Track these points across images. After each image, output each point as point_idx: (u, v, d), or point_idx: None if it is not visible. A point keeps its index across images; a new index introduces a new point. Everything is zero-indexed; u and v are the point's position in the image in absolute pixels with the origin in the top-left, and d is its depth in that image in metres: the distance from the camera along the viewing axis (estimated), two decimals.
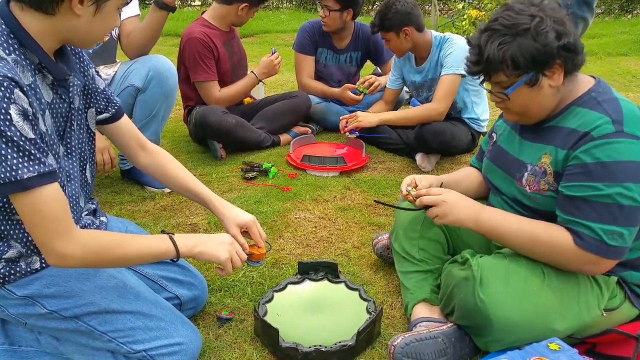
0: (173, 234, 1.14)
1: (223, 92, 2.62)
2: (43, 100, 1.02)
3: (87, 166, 1.22)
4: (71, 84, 1.11)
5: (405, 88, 2.79)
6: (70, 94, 1.11)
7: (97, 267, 1.11)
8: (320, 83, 3.00)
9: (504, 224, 1.21)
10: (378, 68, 3.14)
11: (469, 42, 1.19)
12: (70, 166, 1.13)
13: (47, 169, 0.93)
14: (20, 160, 0.90)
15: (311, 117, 2.96)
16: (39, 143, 0.94)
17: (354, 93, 2.85)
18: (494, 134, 1.42)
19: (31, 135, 0.92)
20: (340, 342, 1.24)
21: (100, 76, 1.25)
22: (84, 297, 1.11)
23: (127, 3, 1.09)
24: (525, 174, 1.23)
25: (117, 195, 2.16)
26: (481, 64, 1.15)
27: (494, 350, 1.18)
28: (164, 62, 2.09)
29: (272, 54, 2.71)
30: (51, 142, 1.02)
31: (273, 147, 2.73)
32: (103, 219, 1.30)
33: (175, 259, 1.13)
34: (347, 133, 2.57)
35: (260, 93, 3.12)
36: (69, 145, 1.13)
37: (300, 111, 2.84)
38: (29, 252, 1.09)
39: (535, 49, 1.09)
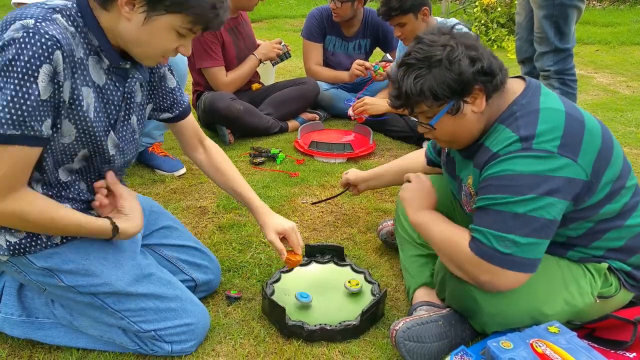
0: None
1: (230, 76, 2.64)
2: (88, 78, 1.05)
3: (130, 156, 1.25)
4: (131, 75, 1.15)
5: None
6: (127, 84, 1.14)
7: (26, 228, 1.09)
8: (328, 69, 3.00)
9: (429, 223, 1.23)
10: (387, 55, 3.13)
11: (389, 78, 1.19)
12: (117, 156, 1.17)
13: (32, 133, 0.96)
14: (14, 117, 0.93)
15: (319, 104, 2.97)
16: (46, 106, 0.96)
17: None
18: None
19: (44, 97, 0.95)
20: (344, 321, 1.28)
21: (173, 75, 1.28)
22: (101, 278, 1.14)
23: (194, 33, 1.04)
24: (462, 193, 1.27)
25: (128, 178, 2.21)
26: (401, 99, 1.15)
27: (490, 331, 1.21)
28: None
29: (279, 43, 2.75)
30: (96, 121, 1.07)
31: (281, 133, 2.76)
32: None
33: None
34: (354, 117, 2.59)
35: (270, 78, 3.13)
36: (121, 137, 1.17)
37: (309, 98, 2.86)
38: None
39: (451, 78, 1.09)
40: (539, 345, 1.08)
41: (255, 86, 2.86)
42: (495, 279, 1.10)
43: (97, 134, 1.09)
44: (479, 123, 1.16)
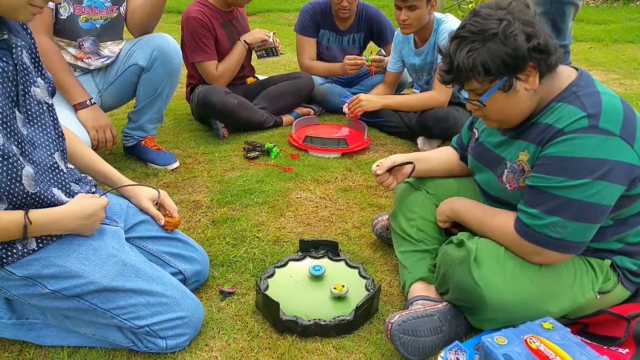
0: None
1: (220, 68, 2.61)
2: None
3: (53, 129, 1.18)
4: (14, 45, 1.08)
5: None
6: (15, 55, 1.08)
7: None
8: (321, 62, 2.98)
9: (466, 209, 1.33)
10: (382, 50, 3.13)
11: (439, 51, 1.18)
12: (34, 133, 1.12)
13: None
14: None
15: (314, 99, 2.96)
16: None
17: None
18: (475, 130, 1.42)
19: None
20: (339, 316, 1.28)
21: None
22: (84, 277, 1.11)
23: None
24: (505, 171, 1.24)
25: (120, 172, 2.17)
26: (452, 73, 1.13)
27: (487, 329, 1.21)
28: (168, 42, 2.07)
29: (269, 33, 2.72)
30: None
31: (275, 128, 2.74)
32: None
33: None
34: (349, 114, 2.59)
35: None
36: (29, 112, 1.11)
37: (303, 92, 2.84)
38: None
39: (506, 53, 1.07)
40: (533, 341, 1.08)
41: (249, 80, 2.84)
42: (542, 259, 1.15)
43: (5, 119, 1.01)
44: (532, 102, 1.15)
